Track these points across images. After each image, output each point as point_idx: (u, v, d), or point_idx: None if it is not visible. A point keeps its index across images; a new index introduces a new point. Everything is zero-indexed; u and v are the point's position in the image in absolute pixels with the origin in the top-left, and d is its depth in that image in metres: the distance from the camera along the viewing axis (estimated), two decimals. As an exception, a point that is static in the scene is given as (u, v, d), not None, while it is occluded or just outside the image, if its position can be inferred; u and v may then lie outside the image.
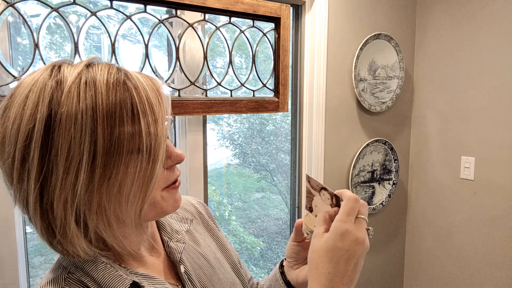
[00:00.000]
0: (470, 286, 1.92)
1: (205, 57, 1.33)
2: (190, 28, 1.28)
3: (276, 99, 1.52)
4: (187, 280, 0.60)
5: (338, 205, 0.56)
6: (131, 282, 0.51)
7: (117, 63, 1.15)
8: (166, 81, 1.28)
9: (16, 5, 0.99)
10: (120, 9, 1.16)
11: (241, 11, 1.36)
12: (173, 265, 0.62)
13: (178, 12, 1.27)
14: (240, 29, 1.40)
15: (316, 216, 0.62)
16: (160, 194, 0.52)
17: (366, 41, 1.80)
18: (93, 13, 1.09)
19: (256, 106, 1.46)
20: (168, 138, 0.52)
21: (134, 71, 0.51)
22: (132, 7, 1.23)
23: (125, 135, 0.45)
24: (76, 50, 1.09)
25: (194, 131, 1.43)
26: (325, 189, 0.59)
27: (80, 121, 0.43)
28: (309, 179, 0.62)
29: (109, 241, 0.50)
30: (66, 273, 0.50)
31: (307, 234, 0.62)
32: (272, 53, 1.51)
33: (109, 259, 0.52)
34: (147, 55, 1.21)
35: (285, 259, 0.72)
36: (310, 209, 0.64)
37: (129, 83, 0.47)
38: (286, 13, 1.49)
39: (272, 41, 1.50)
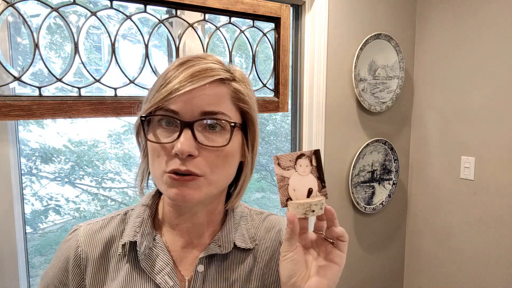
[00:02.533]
0: (470, 285, 1.92)
1: (205, 57, 1.33)
2: (190, 28, 1.28)
3: (276, 99, 1.52)
4: (197, 280, 0.58)
5: (319, 165, 0.51)
6: (133, 240, 0.59)
7: (117, 63, 1.16)
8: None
9: (16, 5, 0.99)
10: (120, 9, 1.16)
11: (241, 11, 1.36)
12: None
13: (178, 12, 1.27)
14: (240, 29, 1.40)
15: (298, 200, 0.53)
16: (163, 175, 0.54)
17: (366, 41, 1.80)
18: (93, 13, 1.09)
19: (256, 106, 1.46)
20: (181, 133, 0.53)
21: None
22: (132, 7, 1.23)
23: None
24: (76, 50, 1.09)
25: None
26: (301, 156, 0.51)
27: None
28: (278, 161, 0.52)
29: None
30: (126, 211, 0.65)
31: (306, 214, 0.52)
32: (272, 53, 1.51)
33: (160, 223, 0.63)
34: (147, 55, 1.21)
35: None
36: (288, 200, 0.54)
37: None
38: (286, 13, 1.49)
39: (272, 41, 1.50)
